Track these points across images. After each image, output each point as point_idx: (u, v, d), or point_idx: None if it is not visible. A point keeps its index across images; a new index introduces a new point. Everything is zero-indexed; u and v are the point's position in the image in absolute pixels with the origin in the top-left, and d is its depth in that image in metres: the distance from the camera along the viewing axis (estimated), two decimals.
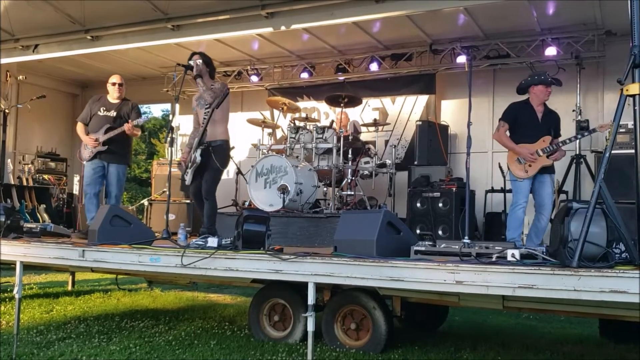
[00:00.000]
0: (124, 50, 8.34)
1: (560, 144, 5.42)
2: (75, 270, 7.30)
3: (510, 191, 7.17)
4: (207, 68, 5.56)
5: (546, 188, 5.48)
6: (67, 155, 10.78)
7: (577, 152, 7.19)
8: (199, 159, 5.31)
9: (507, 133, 5.56)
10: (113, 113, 6.32)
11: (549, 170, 5.47)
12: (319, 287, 4.31)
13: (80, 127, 6.42)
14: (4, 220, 5.21)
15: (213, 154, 5.38)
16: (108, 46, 7.85)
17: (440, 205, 6.90)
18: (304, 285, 3.82)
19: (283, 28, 6.65)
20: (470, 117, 4.53)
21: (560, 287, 2.95)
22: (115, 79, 6.49)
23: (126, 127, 6.11)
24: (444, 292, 3.73)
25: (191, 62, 5.47)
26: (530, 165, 5.39)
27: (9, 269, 5.48)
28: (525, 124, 5.49)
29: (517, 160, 5.45)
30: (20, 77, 8.77)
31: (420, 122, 8.15)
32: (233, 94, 9.35)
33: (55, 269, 7.94)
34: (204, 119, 5.45)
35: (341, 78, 9.16)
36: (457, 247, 3.69)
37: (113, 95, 6.40)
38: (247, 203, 7.26)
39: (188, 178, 5.62)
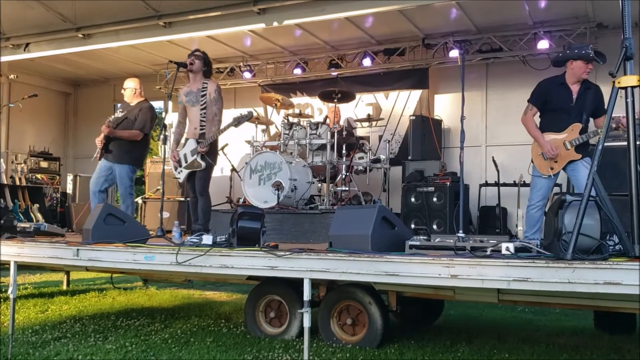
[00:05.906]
0: (115, 48, 8.29)
1: (591, 135, 4.71)
2: (69, 269, 7.30)
3: (504, 185, 7.24)
4: (204, 67, 5.63)
5: (582, 171, 4.69)
6: (60, 154, 10.71)
7: None
8: (203, 164, 5.43)
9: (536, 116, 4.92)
10: (121, 114, 6.29)
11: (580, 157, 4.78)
12: (315, 283, 4.31)
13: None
14: None
15: (205, 153, 5.48)
16: (100, 44, 7.79)
17: (435, 199, 6.92)
18: (300, 281, 3.82)
19: (275, 24, 6.63)
20: (464, 111, 4.53)
21: (555, 279, 2.96)
22: (126, 83, 6.44)
23: (103, 128, 6.10)
24: (440, 286, 3.74)
25: (187, 61, 5.52)
26: (556, 162, 4.80)
27: (3, 269, 5.45)
28: (555, 108, 4.87)
29: (542, 154, 4.86)
30: (12, 76, 8.70)
31: (413, 117, 8.16)
32: (226, 90, 9.36)
33: (49, 269, 7.91)
34: (201, 121, 5.49)
35: (334, 74, 9.13)
36: (451, 241, 3.70)
37: (126, 98, 6.43)
38: (241, 200, 7.26)
39: (182, 177, 5.67)
